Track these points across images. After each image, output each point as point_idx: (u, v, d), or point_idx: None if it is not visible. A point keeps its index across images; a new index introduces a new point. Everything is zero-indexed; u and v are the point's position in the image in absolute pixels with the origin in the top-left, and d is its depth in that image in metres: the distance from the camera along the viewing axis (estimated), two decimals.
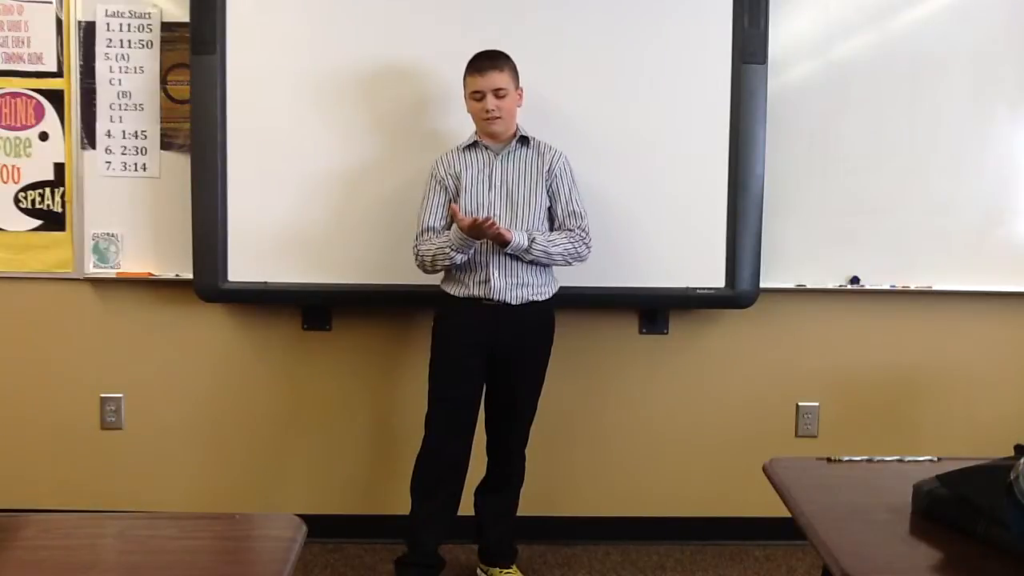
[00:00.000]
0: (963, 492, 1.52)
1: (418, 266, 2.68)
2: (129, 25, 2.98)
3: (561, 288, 2.83)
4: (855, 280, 3.09)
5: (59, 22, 2.99)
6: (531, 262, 2.62)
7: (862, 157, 3.05)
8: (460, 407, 2.71)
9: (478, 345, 2.66)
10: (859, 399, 3.19)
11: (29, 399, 3.14)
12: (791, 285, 3.09)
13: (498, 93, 2.60)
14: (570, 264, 2.69)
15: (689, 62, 2.94)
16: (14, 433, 3.15)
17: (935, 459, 1.84)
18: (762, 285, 3.00)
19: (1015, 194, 3.09)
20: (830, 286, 3.10)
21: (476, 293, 2.63)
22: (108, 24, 2.98)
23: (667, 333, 3.17)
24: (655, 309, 3.13)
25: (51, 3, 2.99)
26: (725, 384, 3.19)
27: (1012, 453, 1.61)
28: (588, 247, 2.69)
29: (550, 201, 2.69)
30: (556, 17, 2.92)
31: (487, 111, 2.60)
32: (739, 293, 2.99)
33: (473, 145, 2.69)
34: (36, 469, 3.15)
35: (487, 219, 2.49)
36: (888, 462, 1.86)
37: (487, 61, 2.61)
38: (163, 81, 3.00)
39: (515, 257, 2.60)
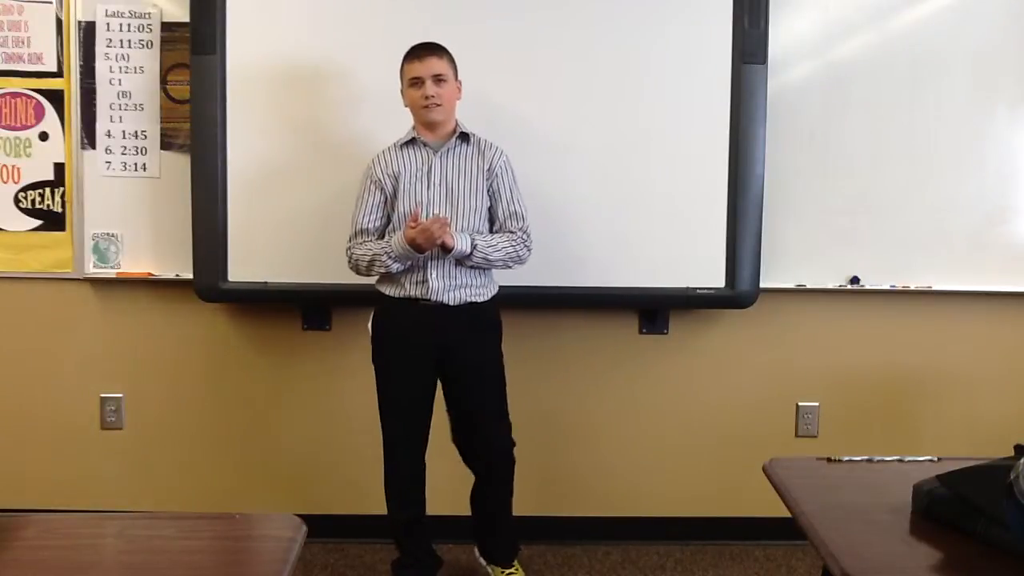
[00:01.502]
0: (963, 492, 1.52)
1: (351, 268, 2.64)
2: (129, 25, 2.98)
3: (561, 288, 2.83)
4: (855, 280, 3.09)
5: (59, 22, 2.99)
6: (472, 267, 2.57)
7: (862, 157, 3.05)
8: (410, 409, 2.66)
9: (420, 347, 2.60)
10: (859, 399, 3.19)
11: (29, 399, 3.14)
12: (791, 285, 3.09)
13: (438, 80, 2.54)
14: (510, 267, 2.63)
15: (689, 62, 2.94)
16: (14, 433, 3.15)
17: (935, 459, 1.84)
18: (762, 285, 3.01)
19: (1015, 194, 3.09)
20: (830, 286, 3.10)
21: (414, 293, 2.57)
22: (108, 24, 2.98)
23: (667, 333, 3.17)
24: (655, 309, 3.13)
25: (51, 3, 2.99)
26: (725, 384, 3.19)
27: (1012, 453, 1.61)
28: (528, 249, 2.62)
29: (490, 200, 2.63)
30: (555, 17, 2.92)
31: (426, 97, 2.53)
32: (739, 293, 2.99)
33: (411, 142, 2.62)
34: (36, 469, 3.15)
35: (438, 221, 2.43)
36: (888, 462, 1.86)
37: (424, 48, 2.56)
38: (163, 81, 3.00)
39: (457, 261, 2.55)
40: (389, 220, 2.63)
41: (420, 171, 2.59)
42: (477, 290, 2.61)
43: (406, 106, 2.62)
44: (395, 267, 2.54)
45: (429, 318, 2.58)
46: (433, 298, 2.56)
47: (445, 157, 2.60)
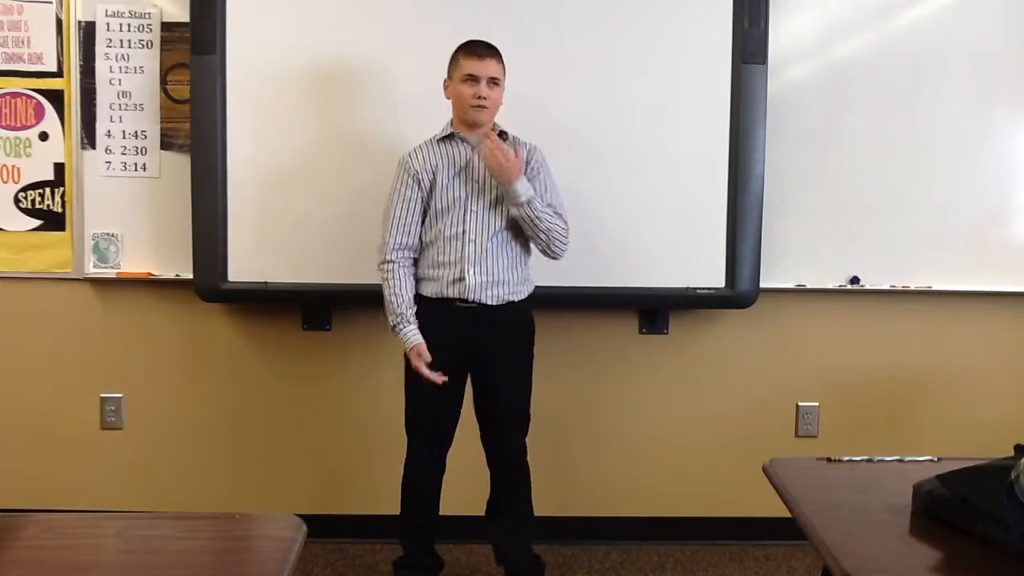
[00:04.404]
0: (963, 492, 1.52)
1: (378, 275, 2.60)
2: (129, 25, 2.98)
3: (561, 288, 2.83)
4: (855, 280, 3.09)
5: (59, 22, 2.99)
6: (519, 214, 2.51)
7: (862, 157, 3.05)
8: (438, 414, 2.65)
9: (455, 349, 2.57)
10: (859, 399, 3.19)
11: (29, 399, 3.14)
12: (791, 285, 3.09)
13: (492, 83, 2.54)
14: (551, 248, 2.56)
15: (689, 62, 2.94)
16: (14, 433, 3.15)
17: (935, 459, 1.85)
18: (762, 285, 3.01)
19: (1015, 194, 3.09)
20: (830, 286, 3.10)
21: (450, 294, 2.55)
22: (108, 24, 2.98)
23: (667, 333, 3.17)
24: (655, 309, 3.13)
25: (51, 3, 2.99)
26: (725, 384, 3.19)
27: (1012, 453, 1.62)
28: (565, 243, 2.58)
29: None
30: (555, 17, 2.92)
31: (479, 97, 2.52)
32: (739, 293, 2.99)
33: (449, 137, 2.61)
34: (36, 469, 3.15)
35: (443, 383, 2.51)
36: (888, 462, 1.86)
37: (486, 48, 2.55)
38: (163, 81, 3.00)
39: (490, 251, 2.54)
40: (426, 214, 2.59)
41: (459, 166, 2.58)
42: (515, 288, 2.60)
43: (448, 97, 2.60)
44: (389, 324, 2.56)
45: (466, 319, 2.56)
46: (471, 297, 2.54)
47: (483, 153, 2.58)
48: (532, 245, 2.65)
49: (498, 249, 2.57)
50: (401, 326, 2.54)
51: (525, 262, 2.65)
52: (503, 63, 2.59)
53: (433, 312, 2.57)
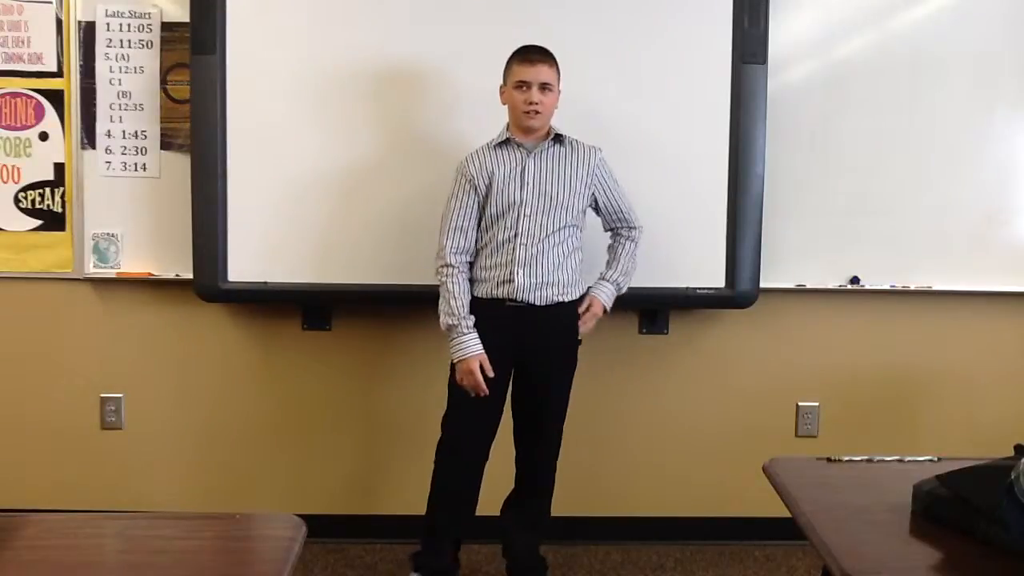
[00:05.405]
0: (963, 492, 1.52)
1: (436, 274, 2.63)
2: (129, 25, 2.98)
3: None
4: (855, 280, 3.09)
5: (59, 22, 2.99)
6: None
7: (862, 157, 3.05)
8: (481, 413, 2.63)
9: (502, 349, 2.58)
10: (859, 399, 3.19)
11: (29, 399, 3.14)
12: (791, 285, 3.09)
13: (544, 88, 2.54)
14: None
15: (689, 62, 2.94)
16: (14, 433, 3.15)
17: (935, 459, 1.85)
18: (762, 285, 3.00)
19: (1015, 194, 3.09)
20: (830, 286, 3.10)
21: (499, 294, 2.57)
22: (108, 24, 2.98)
23: (667, 333, 3.17)
24: (655, 309, 3.13)
25: (51, 3, 2.99)
26: (725, 384, 3.19)
27: (1012, 453, 1.62)
28: (637, 243, 2.76)
29: (594, 201, 2.66)
30: (555, 17, 2.91)
31: (530, 103, 2.53)
32: (739, 293, 2.99)
33: (505, 143, 2.61)
34: (36, 469, 3.15)
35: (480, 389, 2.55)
36: (888, 462, 1.86)
37: (538, 53, 2.56)
38: (163, 81, 3.00)
39: (540, 253, 2.56)
40: (481, 219, 2.61)
41: (514, 171, 2.59)
42: (565, 288, 2.61)
43: (503, 104, 2.62)
44: (441, 324, 2.58)
45: (514, 319, 2.57)
46: (519, 297, 2.56)
47: (538, 158, 2.60)
48: (582, 251, 2.68)
49: (548, 252, 2.58)
50: (460, 330, 2.55)
51: (575, 264, 2.65)
52: (557, 66, 2.59)
53: (483, 312, 2.59)
